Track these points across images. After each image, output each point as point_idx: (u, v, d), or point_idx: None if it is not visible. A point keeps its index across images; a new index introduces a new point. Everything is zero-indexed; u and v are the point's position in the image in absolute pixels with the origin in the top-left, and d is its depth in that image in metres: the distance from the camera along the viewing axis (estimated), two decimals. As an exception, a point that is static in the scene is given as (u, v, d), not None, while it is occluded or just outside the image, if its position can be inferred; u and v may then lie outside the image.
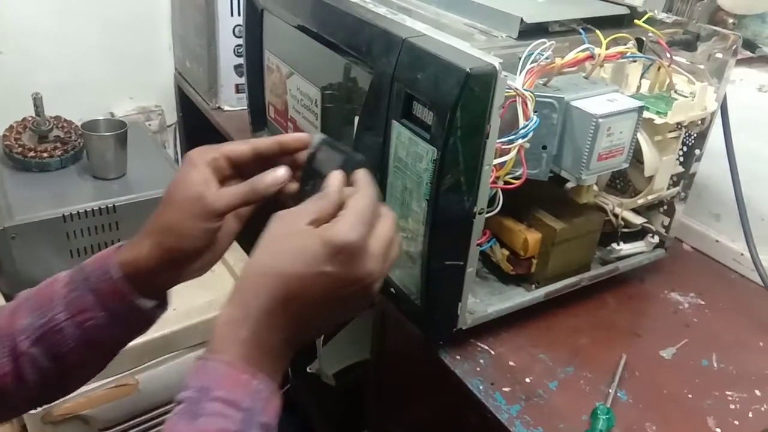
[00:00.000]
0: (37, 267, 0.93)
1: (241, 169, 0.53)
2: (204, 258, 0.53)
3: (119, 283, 0.51)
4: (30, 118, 1.10)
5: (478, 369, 0.63)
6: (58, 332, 0.51)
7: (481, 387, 0.61)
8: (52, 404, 0.92)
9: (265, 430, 0.42)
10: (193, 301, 0.97)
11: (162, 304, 0.55)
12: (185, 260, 0.52)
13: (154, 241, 0.51)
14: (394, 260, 0.48)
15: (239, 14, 1.22)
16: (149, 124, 1.48)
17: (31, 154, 1.06)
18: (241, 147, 0.53)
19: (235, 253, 1.07)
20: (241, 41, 1.23)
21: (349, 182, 0.48)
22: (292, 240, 0.44)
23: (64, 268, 0.97)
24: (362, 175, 0.48)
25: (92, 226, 0.96)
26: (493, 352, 0.66)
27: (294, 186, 0.53)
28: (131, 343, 0.89)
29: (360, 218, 0.44)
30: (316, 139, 0.53)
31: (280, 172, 0.51)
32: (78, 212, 0.94)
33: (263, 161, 0.53)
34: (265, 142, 0.53)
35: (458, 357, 0.65)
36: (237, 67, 1.27)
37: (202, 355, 0.43)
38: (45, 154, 1.06)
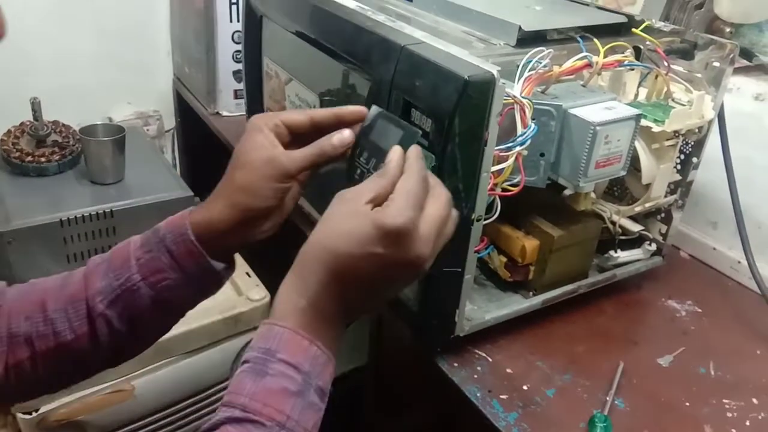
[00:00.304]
0: (33, 272, 0.93)
1: (297, 137, 0.56)
2: (272, 219, 0.56)
3: (194, 243, 0.54)
4: (28, 123, 1.10)
5: (475, 376, 0.63)
6: (134, 293, 0.54)
7: (478, 394, 0.61)
8: (47, 410, 0.91)
9: (321, 393, 0.45)
10: (190, 307, 0.97)
11: (230, 267, 0.58)
12: (256, 220, 0.55)
13: (227, 201, 0.54)
14: (448, 238, 0.49)
15: (238, 20, 1.23)
16: (147, 129, 1.48)
17: (29, 158, 1.06)
18: (300, 116, 0.56)
19: (232, 259, 1.07)
20: (239, 47, 1.23)
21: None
22: (348, 220, 0.46)
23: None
24: (412, 154, 0.50)
25: (89, 231, 0.96)
26: (490, 359, 0.66)
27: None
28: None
29: (408, 201, 0.46)
30: (373, 111, 0.55)
31: (346, 134, 0.54)
32: (75, 217, 0.94)
33: (318, 131, 0.55)
34: (322, 112, 0.56)
35: (456, 364, 0.65)
36: (236, 73, 1.27)
37: (267, 320, 0.46)
38: (43, 159, 1.06)
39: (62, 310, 0.55)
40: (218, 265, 0.56)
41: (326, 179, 0.80)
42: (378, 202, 0.47)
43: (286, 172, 0.53)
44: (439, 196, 0.48)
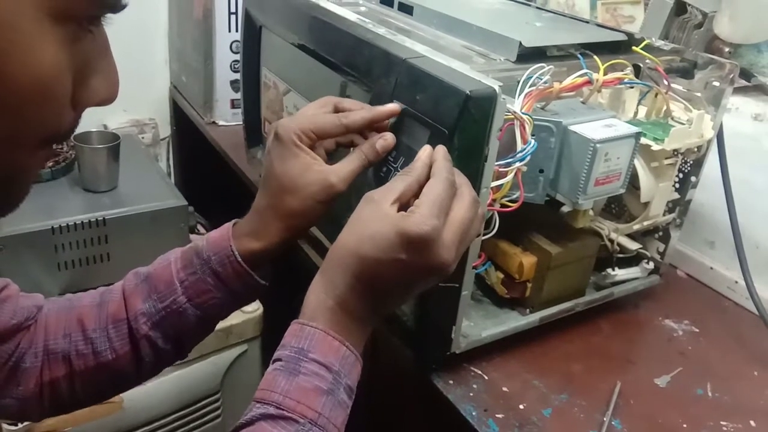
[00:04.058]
0: (24, 279, 0.91)
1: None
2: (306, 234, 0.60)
3: (242, 266, 0.55)
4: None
5: (471, 394, 0.62)
6: (180, 314, 0.55)
7: (474, 413, 0.60)
8: (33, 422, 0.89)
9: (349, 391, 0.46)
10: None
11: (269, 275, 0.59)
12: (301, 236, 0.58)
13: (283, 226, 0.55)
14: (473, 239, 0.50)
15: (237, 30, 1.23)
16: (142, 137, 1.48)
17: (22, 164, 1.05)
18: (333, 126, 0.56)
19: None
20: (238, 57, 1.23)
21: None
22: (373, 225, 0.47)
23: (51, 282, 0.96)
24: (440, 155, 0.50)
25: (81, 239, 0.94)
26: (486, 377, 0.65)
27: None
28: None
29: (433, 208, 0.46)
30: (396, 108, 0.56)
31: (389, 138, 0.56)
32: (67, 225, 0.93)
33: (349, 132, 0.57)
34: (356, 119, 0.56)
35: (451, 381, 0.64)
36: (233, 83, 1.27)
37: (298, 320, 0.47)
38: (36, 165, 1.05)
39: (102, 329, 0.55)
40: (260, 279, 0.57)
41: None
42: (404, 200, 0.48)
43: (338, 191, 0.54)
44: (464, 197, 0.49)
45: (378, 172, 0.57)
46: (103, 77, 0.37)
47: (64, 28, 0.32)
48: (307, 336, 0.46)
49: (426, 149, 0.51)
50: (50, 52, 0.32)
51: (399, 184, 0.49)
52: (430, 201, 0.46)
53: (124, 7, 0.34)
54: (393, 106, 0.56)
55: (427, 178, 0.49)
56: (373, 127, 0.57)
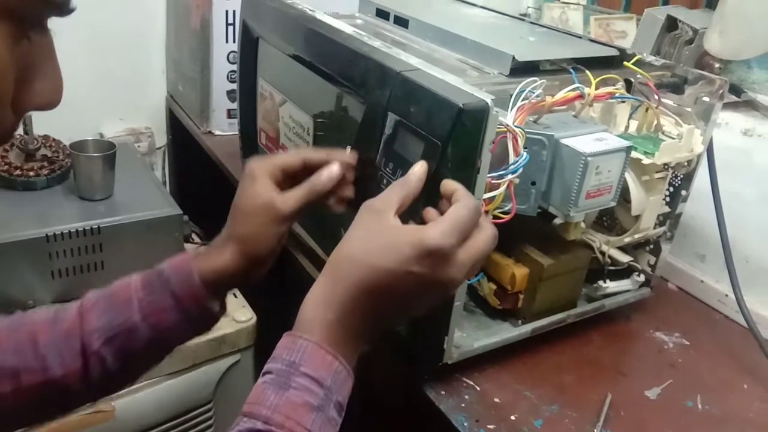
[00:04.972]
0: (17, 287, 0.92)
1: (293, 179, 0.59)
2: (267, 262, 0.58)
3: (200, 287, 0.55)
4: (18, 137, 1.09)
5: (463, 405, 0.63)
6: (132, 332, 0.54)
7: (465, 423, 0.60)
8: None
9: (339, 408, 0.46)
10: (174, 327, 0.96)
11: (223, 308, 0.60)
12: (258, 264, 0.57)
13: (235, 249, 0.56)
14: (478, 269, 0.50)
15: (234, 41, 1.23)
16: (138, 146, 1.48)
17: (17, 172, 1.05)
18: (293, 158, 0.59)
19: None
20: (234, 67, 1.24)
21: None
22: (386, 236, 0.47)
23: (45, 290, 0.96)
24: (463, 188, 0.51)
25: (76, 246, 0.94)
26: (478, 388, 0.65)
27: (349, 192, 0.59)
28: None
29: (455, 226, 0.47)
30: (391, 119, 0.57)
31: (335, 169, 0.57)
32: (62, 232, 0.92)
33: (312, 169, 0.58)
34: (315, 154, 0.59)
35: (443, 392, 0.64)
36: (230, 93, 1.28)
37: (291, 332, 0.46)
38: (31, 173, 1.05)
39: (54, 345, 0.54)
40: (216, 306, 0.58)
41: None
42: (402, 209, 0.49)
43: (283, 215, 0.56)
44: (487, 230, 0.49)
45: (380, 184, 0.58)
46: (47, 81, 0.37)
47: (8, 27, 0.32)
48: (300, 349, 0.45)
49: (421, 164, 0.53)
50: None
51: (395, 195, 0.50)
52: (453, 220, 0.47)
53: (71, 11, 0.35)
54: (351, 154, 0.59)
55: (419, 192, 0.51)
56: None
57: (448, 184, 0.51)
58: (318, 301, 0.47)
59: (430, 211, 0.51)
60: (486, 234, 0.49)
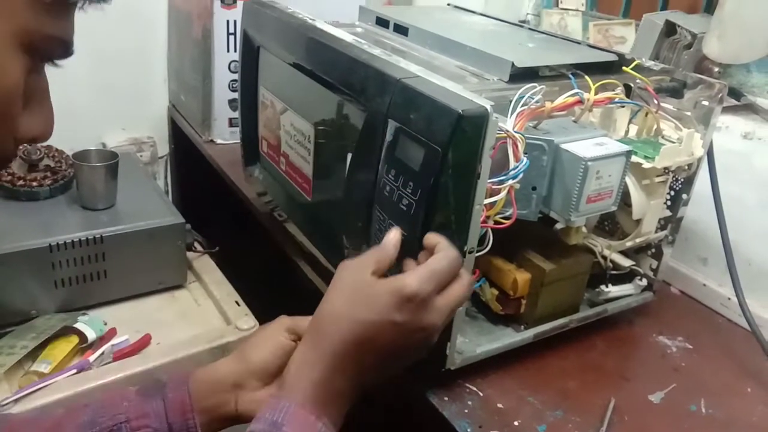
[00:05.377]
0: (20, 297, 0.92)
1: None
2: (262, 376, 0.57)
3: (188, 394, 0.53)
4: (21, 147, 1.10)
5: (466, 411, 0.63)
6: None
7: (469, 429, 0.60)
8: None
9: None
10: (177, 336, 0.96)
11: None
12: (252, 374, 0.56)
13: (236, 356, 0.56)
14: (451, 317, 0.52)
15: (235, 50, 1.24)
16: (141, 155, 1.48)
17: (20, 182, 1.05)
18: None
19: (221, 287, 1.06)
20: (236, 76, 1.24)
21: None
22: (366, 289, 0.48)
23: (48, 299, 0.96)
24: (445, 240, 0.52)
25: (79, 256, 0.94)
26: (481, 394, 0.65)
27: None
28: (112, 378, 0.87)
29: (433, 274, 0.48)
30: (391, 126, 0.58)
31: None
32: (65, 242, 0.93)
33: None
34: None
35: (446, 398, 0.64)
36: (231, 102, 1.28)
37: (275, 392, 0.48)
38: (34, 183, 1.05)
39: None
40: (198, 427, 0.54)
41: (318, 211, 0.80)
42: (380, 273, 0.50)
43: (288, 325, 0.57)
44: (464, 279, 0.51)
45: (383, 190, 0.58)
46: (42, 115, 0.42)
47: (27, 60, 0.38)
48: (282, 409, 0.45)
49: (395, 231, 0.53)
50: (15, 75, 0.38)
51: (371, 257, 0.51)
52: (431, 268, 0.49)
53: (71, 54, 0.42)
54: None
55: (394, 257, 0.52)
56: None
57: (431, 237, 0.52)
58: (302, 360, 0.48)
59: (409, 263, 0.53)
60: (463, 282, 0.51)
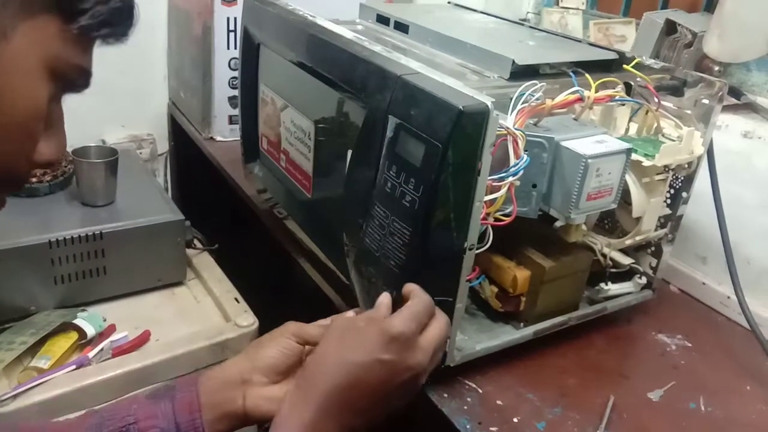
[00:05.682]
0: (20, 293, 0.92)
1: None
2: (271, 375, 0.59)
3: (197, 394, 0.54)
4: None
5: (465, 408, 0.63)
6: None
7: (468, 426, 0.60)
8: None
9: None
10: (176, 333, 0.96)
11: None
12: (259, 372, 0.58)
13: (244, 355, 0.58)
14: (439, 356, 0.57)
15: (235, 47, 1.24)
16: (140, 152, 1.48)
17: (20, 179, 1.05)
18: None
19: (220, 284, 1.06)
20: (236, 74, 1.24)
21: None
22: (353, 333, 0.52)
23: (47, 295, 0.96)
24: (417, 287, 0.56)
25: (78, 252, 0.95)
26: (480, 391, 0.65)
27: None
28: (111, 374, 0.87)
29: (413, 314, 0.53)
30: (392, 122, 0.58)
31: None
32: (64, 238, 0.93)
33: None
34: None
35: (445, 395, 0.64)
36: (231, 99, 1.28)
37: None
38: (34, 180, 1.05)
39: None
40: (205, 427, 0.54)
41: (318, 208, 0.80)
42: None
43: (295, 330, 0.59)
44: (441, 319, 0.56)
45: (384, 187, 0.58)
46: (57, 142, 0.45)
47: (52, 87, 0.42)
48: None
49: (385, 295, 0.57)
50: (42, 100, 0.41)
51: (363, 315, 0.55)
52: (410, 310, 0.53)
53: (87, 86, 0.47)
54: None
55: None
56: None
57: (407, 287, 0.56)
58: (294, 401, 0.50)
59: (384, 296, 0.57)
60: (441, 321, 0.56)
